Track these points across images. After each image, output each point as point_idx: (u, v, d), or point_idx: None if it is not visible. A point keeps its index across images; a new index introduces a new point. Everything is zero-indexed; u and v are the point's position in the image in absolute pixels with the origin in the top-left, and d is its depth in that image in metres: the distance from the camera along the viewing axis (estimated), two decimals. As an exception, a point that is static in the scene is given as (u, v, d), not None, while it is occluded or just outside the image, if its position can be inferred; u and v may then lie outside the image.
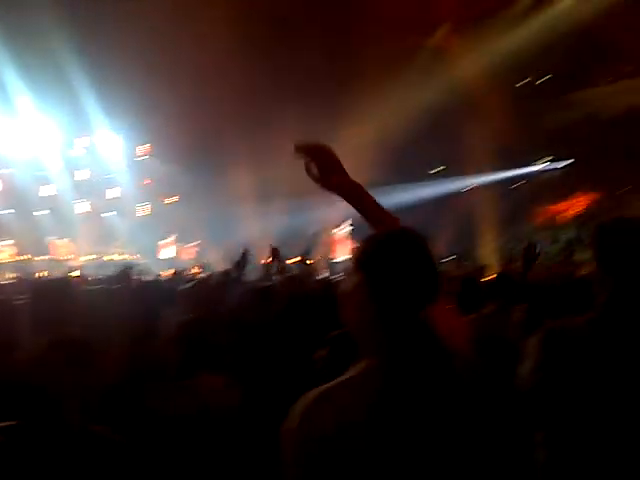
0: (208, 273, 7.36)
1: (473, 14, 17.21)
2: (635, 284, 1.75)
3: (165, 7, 12.37)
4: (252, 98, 15.35)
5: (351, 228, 16.11)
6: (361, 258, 1.40)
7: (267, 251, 5.71)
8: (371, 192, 1.66)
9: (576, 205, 18.39)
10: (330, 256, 15.58)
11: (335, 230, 16.18)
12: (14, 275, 11.98)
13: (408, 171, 18.99)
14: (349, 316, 1.42)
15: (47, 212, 22.34)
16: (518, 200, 20.07)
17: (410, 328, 1.34)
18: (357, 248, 1.43)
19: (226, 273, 5.45)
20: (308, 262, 6.03)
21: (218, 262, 11.10)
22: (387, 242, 1.40)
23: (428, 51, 17.84)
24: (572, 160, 19.27)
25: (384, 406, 1.28)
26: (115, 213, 23.27)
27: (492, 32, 17.10)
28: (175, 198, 22.75)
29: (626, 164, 17.57)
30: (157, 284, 6.71)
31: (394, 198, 17.23)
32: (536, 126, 19.37)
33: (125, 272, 5.36)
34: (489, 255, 16.41)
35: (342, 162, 1.68)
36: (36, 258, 20.73)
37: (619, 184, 17.82)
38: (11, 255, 20.96)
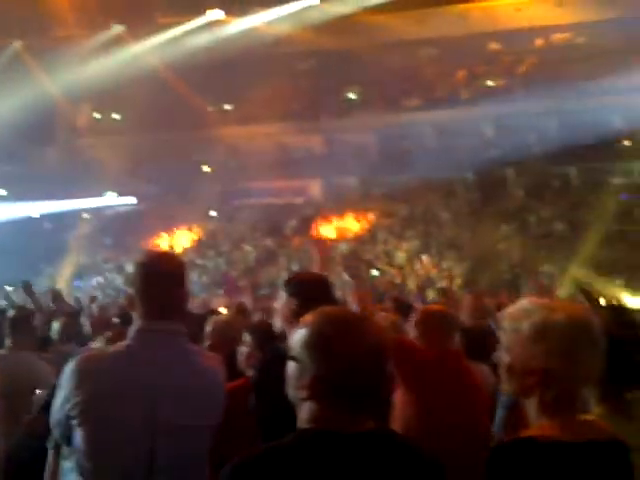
0: None
1: (51, 34, 16.47)
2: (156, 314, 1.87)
3: None
4: None
5: None
6: None
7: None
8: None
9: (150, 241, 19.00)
10: None
11: None
12: None
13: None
14: None
15: None
16: (86, 233, 19.57)
17: None
18: None
19: None
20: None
21: None
22: None
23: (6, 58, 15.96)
24: (135, 199, 20.07)
25: None
26: None
27: (71, 57, 16.64)
28: None
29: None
30: None
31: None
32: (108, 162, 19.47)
33: None
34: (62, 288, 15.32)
35: None
36: None
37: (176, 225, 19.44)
38: None
